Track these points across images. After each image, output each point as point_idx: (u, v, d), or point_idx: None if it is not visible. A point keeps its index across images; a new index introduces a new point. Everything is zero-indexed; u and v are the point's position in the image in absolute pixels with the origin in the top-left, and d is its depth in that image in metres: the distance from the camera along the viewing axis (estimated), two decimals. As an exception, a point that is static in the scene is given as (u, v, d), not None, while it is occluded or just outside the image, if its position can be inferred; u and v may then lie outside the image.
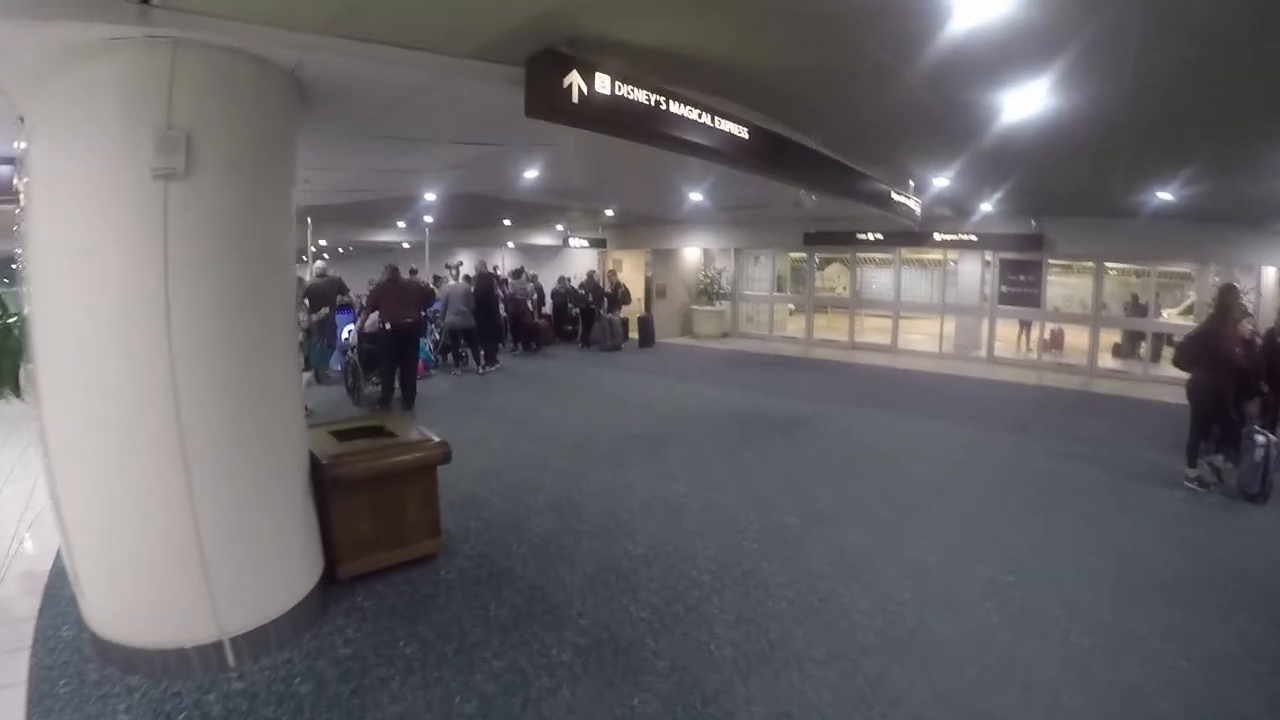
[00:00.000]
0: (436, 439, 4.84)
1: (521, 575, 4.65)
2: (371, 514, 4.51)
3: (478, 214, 16.37)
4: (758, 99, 5.22)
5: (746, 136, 5.24)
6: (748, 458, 7.43)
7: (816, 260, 18.41)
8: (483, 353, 12.88)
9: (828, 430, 8.74)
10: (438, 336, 13.24)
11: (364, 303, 10.60)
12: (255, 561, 3.70)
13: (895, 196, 9.66)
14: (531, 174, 9.01)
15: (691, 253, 19.87)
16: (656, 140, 4.61)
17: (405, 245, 21.24)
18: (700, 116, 4.79)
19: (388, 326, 9.51)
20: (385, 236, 18.58)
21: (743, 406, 10.05)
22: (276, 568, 3.84)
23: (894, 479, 6.84)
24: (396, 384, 9.64)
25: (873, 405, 10.30)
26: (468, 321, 12.60)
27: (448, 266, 13.13)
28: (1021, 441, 8.42)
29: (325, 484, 4.27)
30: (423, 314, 9.87)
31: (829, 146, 6.84)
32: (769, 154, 5.64)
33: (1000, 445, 8.26)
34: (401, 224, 17.44)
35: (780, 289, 19.09)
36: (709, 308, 19.12)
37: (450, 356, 13.11)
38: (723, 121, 4.99)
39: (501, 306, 15.29)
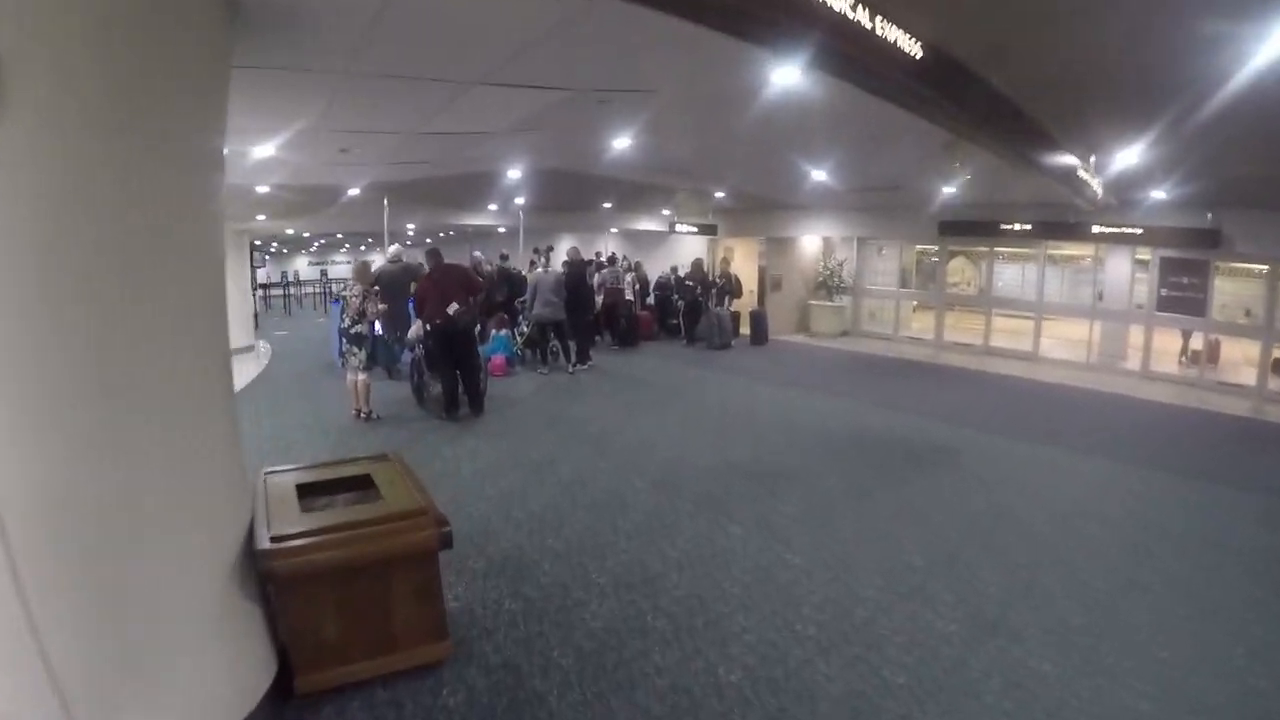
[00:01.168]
0: (433, 513, 3.35)
1: (556, 712, 3.12)
2: (339, 612, 3.11)
3: (575, 195, 15.02)
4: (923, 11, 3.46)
5: (919, 55, 3.45)
6: (881, 508, 5.67)
7: (939, 254, 16.22)
8: (574, 349, 11.51)
9: (977, 468, 6.83)
10: (524, 329, 11.98)
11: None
12: (140, 677, 2.40)
13: (1081, 173, 7.58)
14: (623, 142, 7.46)
15: (810, 242, 17.94)
16: (793, 38, 2.93)
17: (501, 230, 20.22)
18: (859, 12, 3.05)
19: (428, 326, 8.33)
20: (477, 220, 17.51)
21: (870, 427, 8.24)
22: (177, 685, 2.51)
23: (1073, 553, 4.96)
24: (461, 388, 8.38)
25: (1024, 432, 8.24)
26: (557, 314, 11.23)
27: (536, 251, 11.86)
28: (1219, 496, 6.30)
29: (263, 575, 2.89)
30: (471, 302, 8.43)
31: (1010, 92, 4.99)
32: (943, 86, 3.84)
33: (1194, 502, 6.16)
34: (493, 206, 16.31)
35: (904, 284, 17.03)
36: (828, 303, 17.24)
37: (538, 352, 11.77)
38: (890, 28, 3.24)
39: (600, 297, 13.92)
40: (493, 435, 7.59)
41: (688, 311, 14.98)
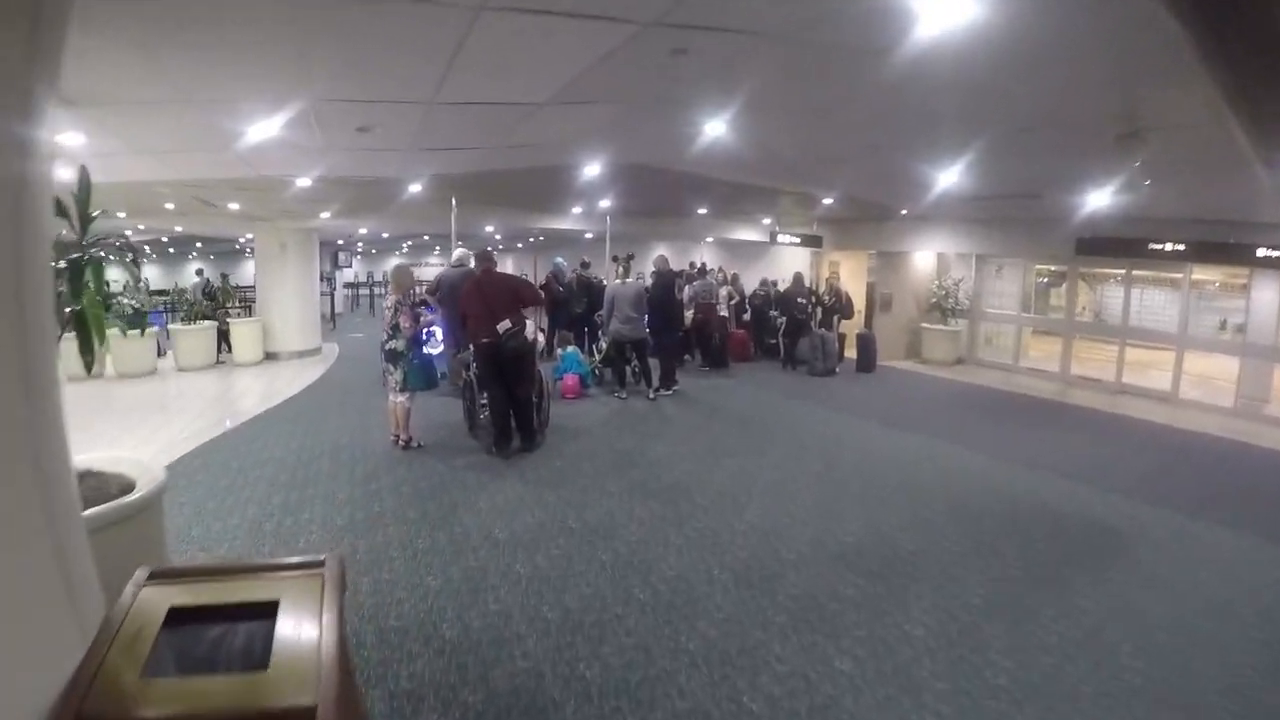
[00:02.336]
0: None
1: None
2: None
3: (666, 199, 13.62)
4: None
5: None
6: (1044, 632, 3.96)
7: (1046, 275, 14.46)
8: (657, 371, 10.11)
9: (1153, 562, 5.00)
10: (602, 345, 10.67)
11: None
12: None
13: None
14: (712, 127, 5.98)
15: (923, 258, 16.08)
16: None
17: (588, 235, 19.00)
18: None
19: (470, 346, 7.19)
20: (560, 224, 16.28)
21: (1007, 492, 6.46)
22: None
23: None
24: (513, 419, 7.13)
25: (1197, 506, 6.23)
26: (637, 332, 9.87)
27: (615, 259, 10.57)
28: None
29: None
30: (525, 318, 7.15)
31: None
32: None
33: None
34: (577, 209, 15.06)
35: (1025, 307, 15.04)
36: (941, 327, 15.30)
37: (615, 372, 10.41)
38: None
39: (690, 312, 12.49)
40: (543, 482, 6.25)
41: (789, 331, 13.33)
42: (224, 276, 16.30)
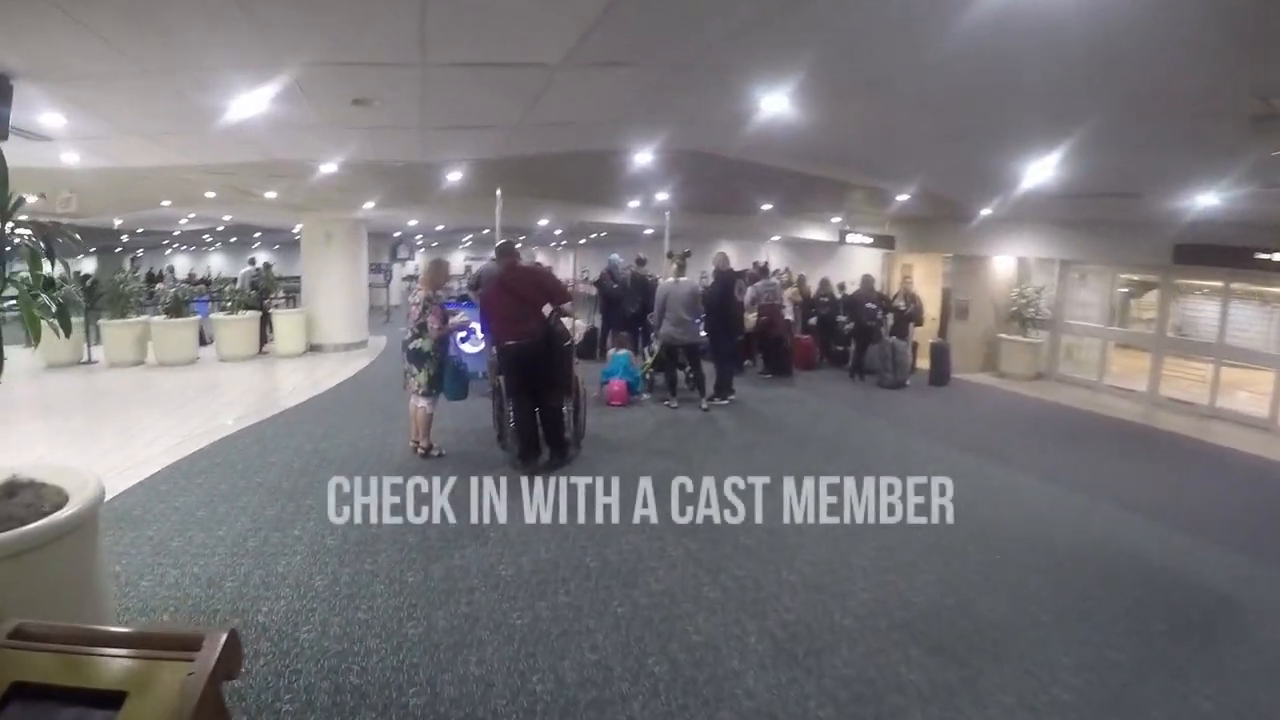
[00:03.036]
0: None
1: None
2: None
3: (727, 194, 12.74)
4: None
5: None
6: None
7: (1127, 285, 13.09)
8: (712, 378, 9.30)
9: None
10: (654, 347, 9.87)
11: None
12: None
13: None
14: (771, 102, 5.12)
15: (1002, 263, 14.81)
16: None
17: (648, 232, 18.18)
18: None
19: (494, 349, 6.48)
20: (617, 219, 15.48)
21: (1102, 542, 5.43)
22: None
23: None
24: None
25: None
26: (689, 335, 9.04)
27: (670, 256, 9.80)
28: None
29: None
30: (550, 318, 6.43)
31: None
32: None
33: None
34: (634, 203, 14.26)
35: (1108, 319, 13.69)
36: (1020, 338, 14.02)
37: (665, 379, 9.60)
38: None
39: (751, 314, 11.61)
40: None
41: (857, 337, 12.31)
42: (268, 266, 16.05)
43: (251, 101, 4.89)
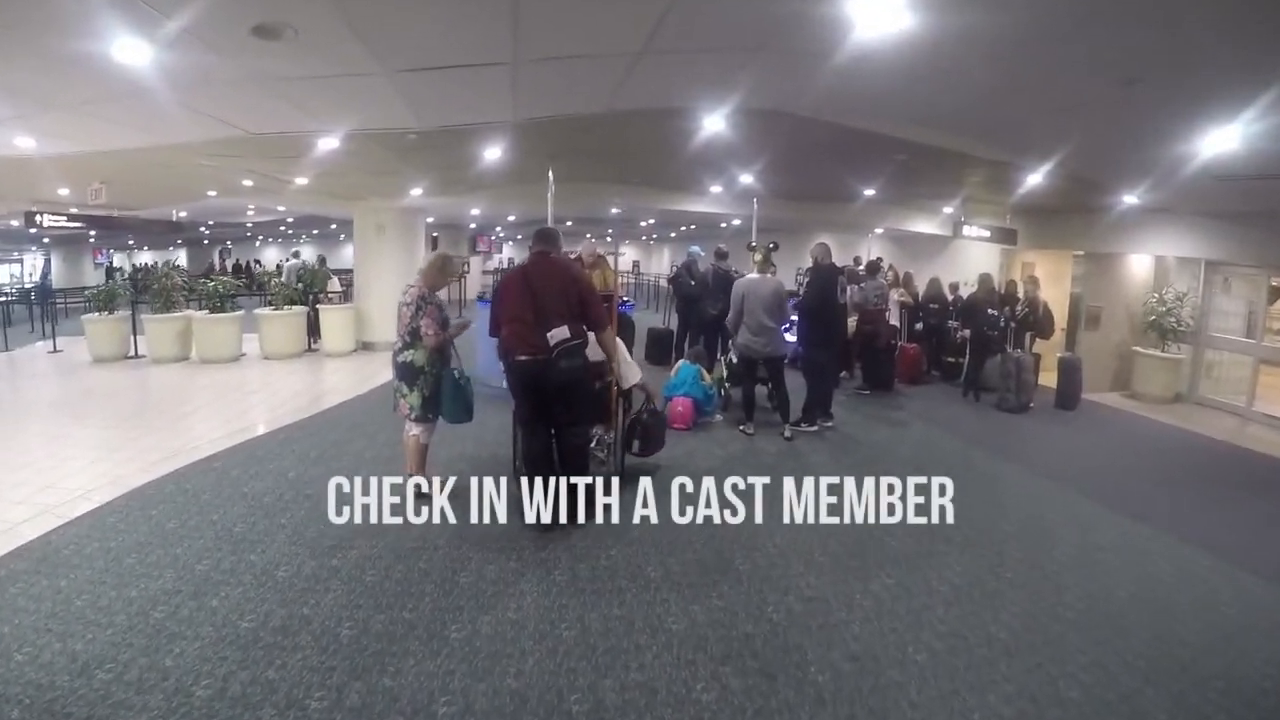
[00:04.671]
0: None
1: None
2: None
3: (824, 177, 10.90)
4: None
5: None
6: None
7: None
8: (798, 398, 7.62)
9: None
10: (733, 359, 8.15)
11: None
12: None
13: None
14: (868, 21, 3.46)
15: (1138, 263, 12.61)
16: None
17: (735, 222, 16.38)
18: None
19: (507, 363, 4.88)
20: (697, 206, 13.71)
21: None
22: None
23: None
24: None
25: None
26: (772, 347, 7.35)
27: (750, 248, 8.09)
28: None
29: None
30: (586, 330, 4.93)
31: None
32: None
33: None
34: (715, 188, 12.51)
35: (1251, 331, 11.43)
36: (1157, 353, 11.71)
37: (742, 399, 7.85)
38: None
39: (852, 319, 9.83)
40: (573, 591, 4.00)
41: (974, 349, 10.31)
42: (321, 259, 15.22)
43: (132, 45, 3.71)
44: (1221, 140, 5.65)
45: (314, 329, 12.31)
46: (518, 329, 4.70)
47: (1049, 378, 10.50)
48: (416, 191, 11.16)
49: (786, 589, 4.06)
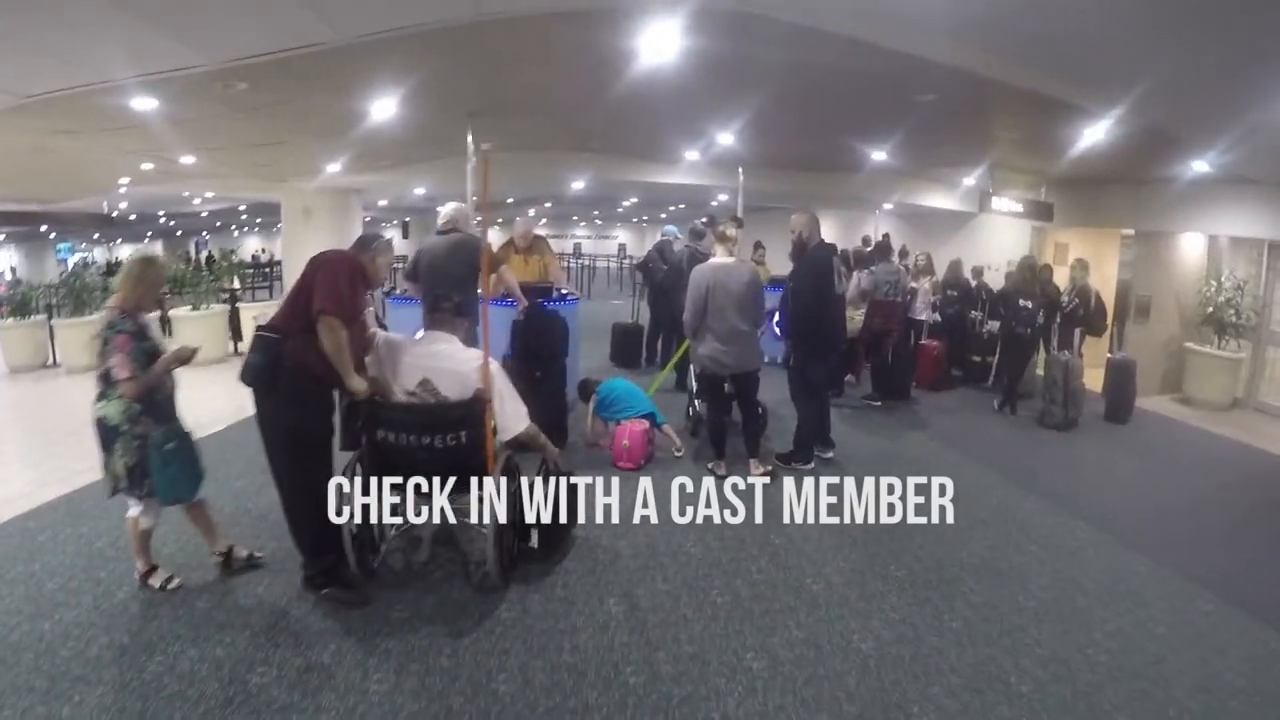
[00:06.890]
0: None
1: None
2: None
3: (822, 136, 9.13)
4: None
5: None
6: None
7: None
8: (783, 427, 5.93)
9: None
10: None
11: None
12: None
13: None
14: None
15: (1191, 244, 11.06)
16: None
17: (722, 197, 14.60)
18: None
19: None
20: (674, 178, 11.91)
21: None
22: None
23: None
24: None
25: None
26: (744, 360, 5.62)
27: (707, 224, 6.36)
28: None
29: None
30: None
31: None
32: None
33: None
34: (691, 154, 10.69)
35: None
36: (1214, 350, 10.14)
37: (708, 425, 6.02)
38: None
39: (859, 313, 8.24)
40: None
41: (1009, 349, 8.53)
42: (230, 252, 13.79)
43: None
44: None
45: (236, 329, 10.79)
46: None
47: (1092, 378, 8.70)
48: (334, 168, 9.53)
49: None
